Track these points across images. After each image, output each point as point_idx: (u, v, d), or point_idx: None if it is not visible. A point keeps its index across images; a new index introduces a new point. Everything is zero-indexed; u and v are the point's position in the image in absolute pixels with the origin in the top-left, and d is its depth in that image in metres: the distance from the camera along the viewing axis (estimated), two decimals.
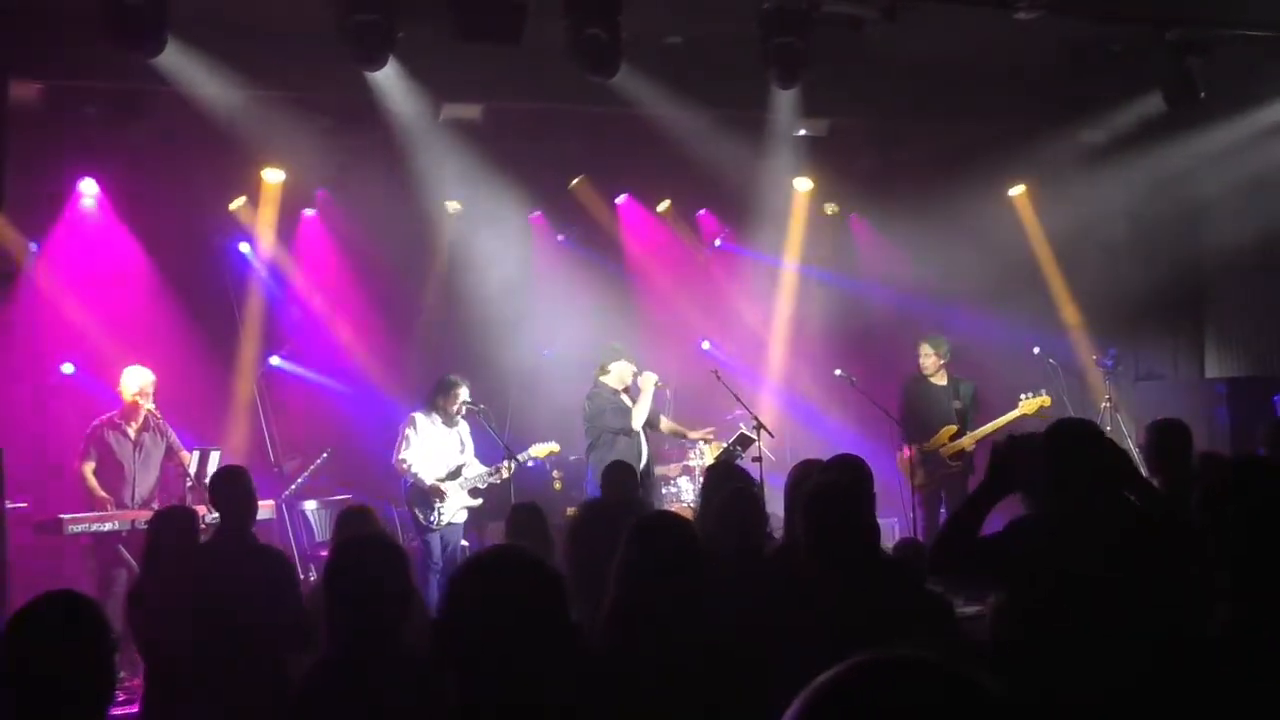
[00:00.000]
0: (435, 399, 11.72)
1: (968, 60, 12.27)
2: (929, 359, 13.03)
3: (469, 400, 11.68)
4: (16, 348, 12.17)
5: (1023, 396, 12.63)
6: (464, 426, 11.84)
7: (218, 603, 6.71)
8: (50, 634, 3.56)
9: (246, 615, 6.64)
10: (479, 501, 11.75)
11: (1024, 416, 12.49)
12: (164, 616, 6.88)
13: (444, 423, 11.69)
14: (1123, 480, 5.30)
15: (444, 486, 11.50)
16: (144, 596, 7.18)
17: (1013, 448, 5.09)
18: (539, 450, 11.99)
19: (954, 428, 12.72)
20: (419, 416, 11.68)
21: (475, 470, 11.73)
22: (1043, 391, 12.60)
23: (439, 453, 11.60)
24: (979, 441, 12.60)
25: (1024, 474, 5.08)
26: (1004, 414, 12.64)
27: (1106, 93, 13.34)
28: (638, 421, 11.72)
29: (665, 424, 12.33)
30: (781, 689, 4.19)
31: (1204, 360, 15.47)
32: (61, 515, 10.53)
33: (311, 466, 12.61)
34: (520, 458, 11.66)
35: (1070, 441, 5.13)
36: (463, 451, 11.79)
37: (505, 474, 11.52)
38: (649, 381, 11.88)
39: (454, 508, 11.55)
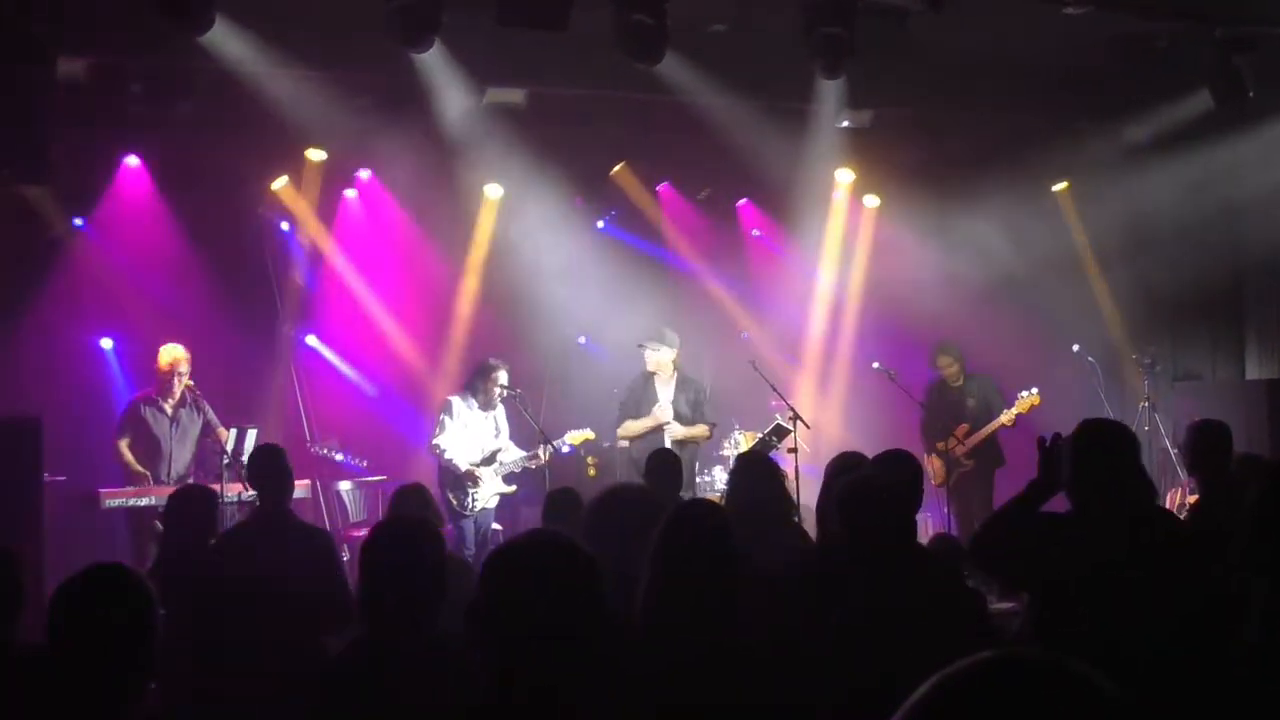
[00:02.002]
0: (474, 382, 11.74)
1: (1013, 54, 12.22)
2: (951, 369, 13.13)
3: (506, 385, 11.70)
4: (57, 321, 12.24)
5: (1021, 395, 12.66)
6: (500, 411, 11.85)
7: (256, 583, 6.75)
8: (97, 605, 3.58)
9: (287, 593, 6.68)
10: (513, 488, 11.76)
11: (1019, 415, 12.60)
12: (186, 595, 6.92)
13: (481, 407, 11.69)
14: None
15: (478, 472, 11.51)
16: (162, 574, 7.22)
17: (1059, 446, 5.06)
18: (575, 437, 12.00)
19: (967, 426, 12.79)
20: (456, 400, 11.68)
21: (512, 455, 11.73)
22: (1034, 390, 12.60)
23: (474, 437, 11.61)
24: (990, 438, 12.78)
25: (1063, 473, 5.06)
26: (1026, 419, 12.65)
27: (1152, 90, 13.27)
28: (620, 435, 12.08)
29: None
30: (815, 680, 4.18)
31: (1244, 362, 15.36)
32: (99, 489, 10.61)
33: (351, 462, 12.65)
34: (555, 444, 11.67)
35: (1087, 442, 5.10)
36: (498, 436, 11.79)
37: (542, 459, 11.54)
38: (656, 416, 12.01)
39: (487, 493, 11.56)
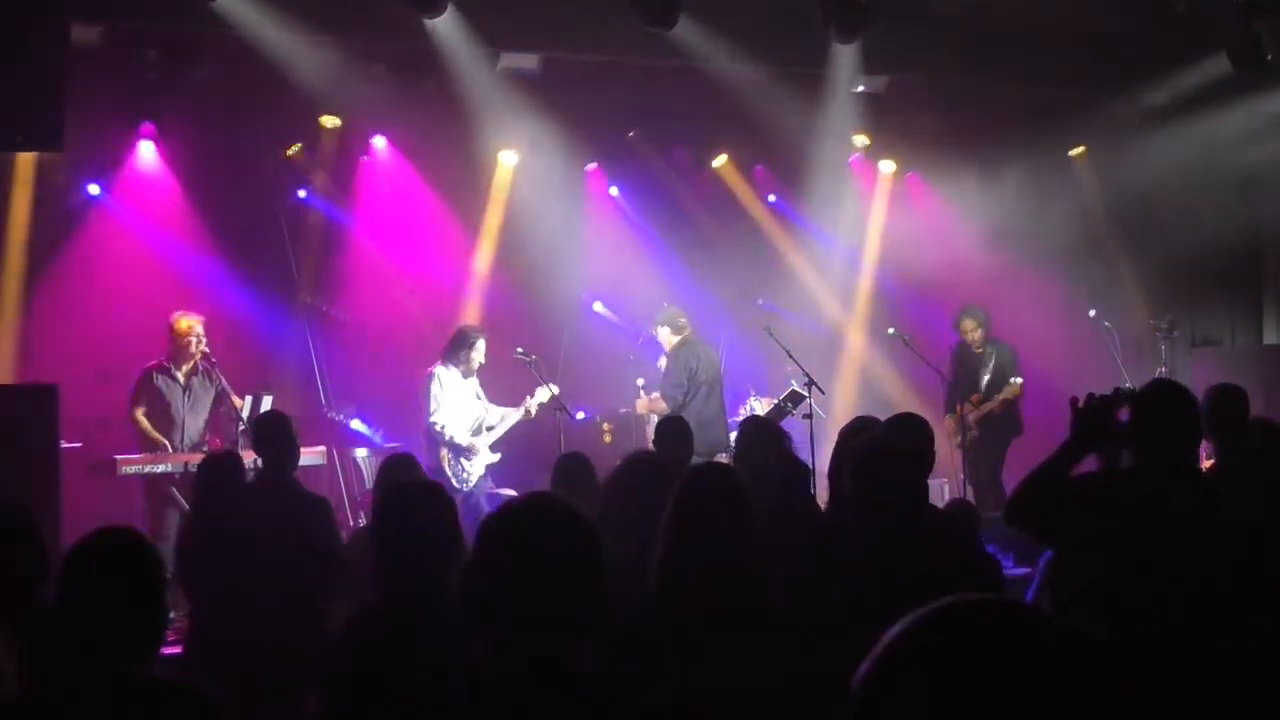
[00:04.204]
0: (455, 352, 11.66)
1: (1030, 17, 12.13)
2: (972, 333, 13.10)
3: (523, 353, 11.72)
4: (73, 289, 12.26)
5: (1011, 380, 12.74)
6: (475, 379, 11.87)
7: (256, 546, 6.79)
8: (106, 567, 3.59)
9: (283, 559, 6.71)
10: (498, 456, 11.81)
11: (1007, 401, 12.74)
12: (209, 560, 6.98)
13: (463, 376, 11.68)
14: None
15: (475, 444, 11.56)
16: (191, 540, 7.28)
17: (1095, 406, 5.03)
18: (542, 394, 11.98)
19: (979, 395, 12.81)
20: (441, 371, 11.59)
21: (494, 416, 11.79)
22: (1019, 380, 12.72)
23: (463, 405, 11.58)
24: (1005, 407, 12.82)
25: (1105, 433, 5.02)
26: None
27: (1170, 54, 13.19)
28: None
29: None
30: (826, 645, 4.17)
31: (1262, 327, 15.31)
32: (115, 456, 10.64)
33: (368, 429, 12.66)
34: (523, 410, 11.73)
35: (1155, 402, 5.10)
36: (479, 400, 11.81)
37: (532, 412, 11.70)
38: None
39: (480, 466, 11.59)
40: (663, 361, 12.32)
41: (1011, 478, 11.45)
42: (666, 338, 12.14)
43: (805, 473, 6.80)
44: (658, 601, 4.13)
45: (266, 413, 8.20)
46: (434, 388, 11.51)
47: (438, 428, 11.44)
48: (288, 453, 7.40)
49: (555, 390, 11.78)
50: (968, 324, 13.15)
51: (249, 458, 9.97)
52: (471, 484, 11.45)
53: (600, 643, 3.07)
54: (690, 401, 11.81)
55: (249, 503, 7.26)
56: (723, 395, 12.27)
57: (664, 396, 11.92)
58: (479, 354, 11.66)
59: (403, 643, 4.19)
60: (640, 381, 12.44)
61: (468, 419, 11.60)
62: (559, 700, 2.87)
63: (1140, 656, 4.29)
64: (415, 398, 12.77)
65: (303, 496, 7.40)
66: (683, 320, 12.18)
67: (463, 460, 11.48)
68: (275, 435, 7.43)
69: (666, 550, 4.18)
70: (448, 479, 11.34)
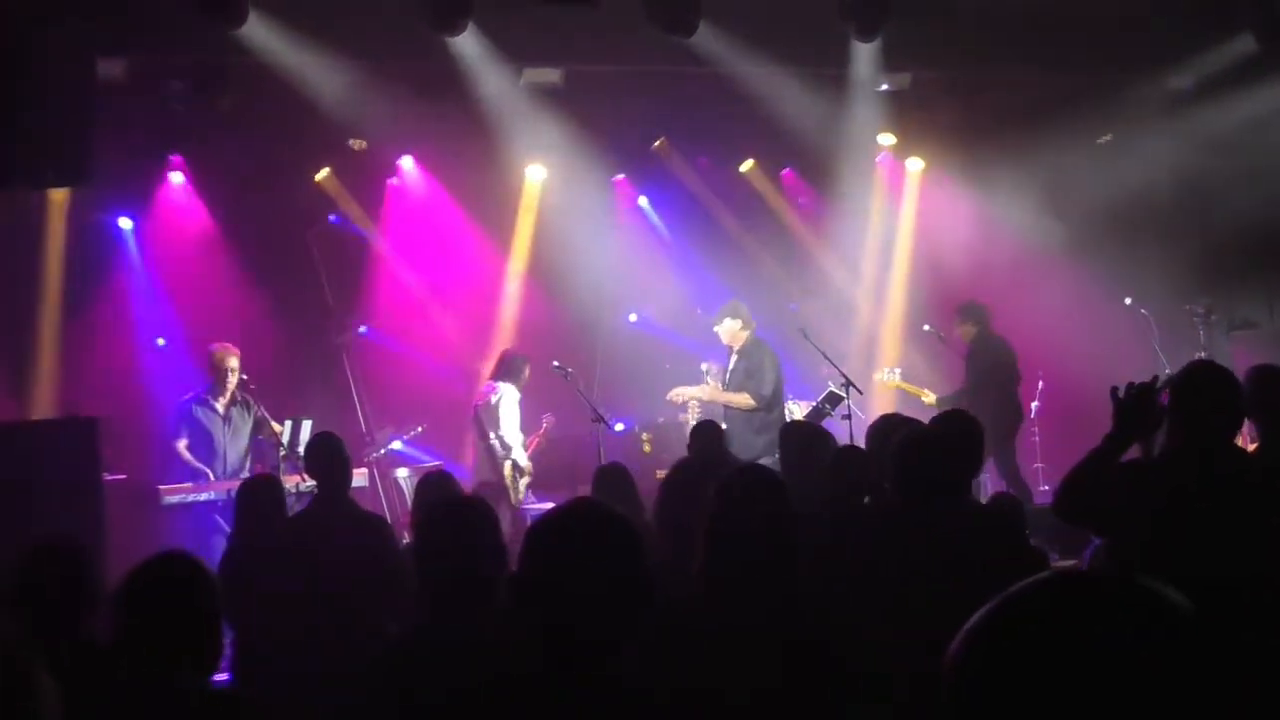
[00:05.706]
0: (514, 374, 11.79)
1: (1049, 5, 12.07)
2: (959, 329, 12.97)
3: (560, 366, 11.76)
4: (112, 322, 12.34)
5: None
6: None
7: (317, 570, 6.80)
8: (164, 594, 3.63)
9: (345, 581, 6.72)
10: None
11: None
12: (256, 585, 6.98)
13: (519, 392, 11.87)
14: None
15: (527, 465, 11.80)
16: (234, 565, 7.30)
17: (1137, 394, 4.99)
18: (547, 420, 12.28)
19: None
20: (506, 389, 11.74)
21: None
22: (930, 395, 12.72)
23: (519, 426, 11.78)
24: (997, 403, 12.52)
25: (1148, 421, 4.98)
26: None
27: (1194, 35, 13.10)
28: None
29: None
30: (870, 640, 4.15)
31: None
32: (159, 486, 10.70)
33: (405, 437, 12.70)
34: (609, 421, 11.77)
35: (1195, 384, 5.06)
36: None
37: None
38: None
39: (525, 484, 11.76)
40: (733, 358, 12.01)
41: (1058, 469, 11.40)
42: (736, 332, 11.51)
43: (864, 461, 6.68)
44: (701, 601, 4.12)
45: (317, 435, 8.23)
46: (507, 405, 11.71)
47: (513, 446, 11.57)
48: (343, 474, 7.44)
49: (622, 425, 11.94)
50: (955, 319, 13.07)
51: (291, 482, 10.07)
52: (522, 500, 11.57)
53: (644, 643, 3.08)
54: (776, 404, 11.56)
55: (308, 527, 7.29)
56: None
57: (754, 395, 11.33)
58: (527, 374, 11.81)
59: (450, 656, 4.18)
60: (705, 367, 12.34)
61: (522, 439, 11.77)
62: (603, 702, 2.87)
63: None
64: (452, 415, 12.85)
65: (360, 516, 7.45)
66: (748, 314, 11.86)
67: (519, 478, 11.58)
68: (328, 457, 7.47)
69: (707, 551, 4.18)
70: (510, 495, 11.45)
